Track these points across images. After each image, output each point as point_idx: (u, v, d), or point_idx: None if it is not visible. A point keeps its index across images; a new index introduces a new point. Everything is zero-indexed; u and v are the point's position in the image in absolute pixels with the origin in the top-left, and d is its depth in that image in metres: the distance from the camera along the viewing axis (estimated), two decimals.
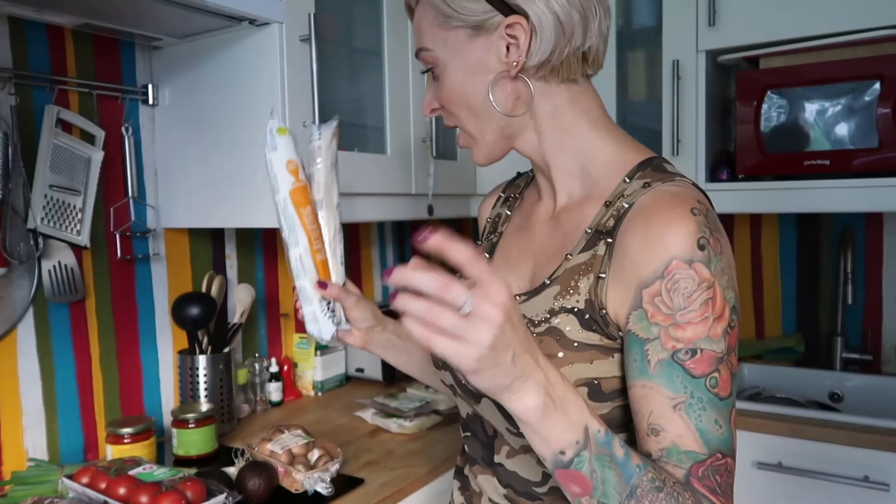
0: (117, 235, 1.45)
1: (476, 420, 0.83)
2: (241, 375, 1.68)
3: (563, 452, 0.59)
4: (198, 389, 1.49)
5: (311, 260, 0.82)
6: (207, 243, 1.67)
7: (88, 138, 1.37)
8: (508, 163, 0.89)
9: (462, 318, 0.50)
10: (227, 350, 1.55)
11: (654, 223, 0.66)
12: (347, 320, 0.90)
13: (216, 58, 1.39)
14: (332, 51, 1.53)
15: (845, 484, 1.42)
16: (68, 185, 1.32)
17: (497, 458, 0.80)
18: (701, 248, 0.64)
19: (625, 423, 0.71)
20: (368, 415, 1.58)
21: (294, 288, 0.85)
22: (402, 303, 0.51)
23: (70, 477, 1.10)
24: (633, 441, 0.69)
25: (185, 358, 1.50)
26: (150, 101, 1.49)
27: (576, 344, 0.69)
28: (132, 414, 1.49)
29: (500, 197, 0.95)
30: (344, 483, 1.22)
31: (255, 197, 1.36)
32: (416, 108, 1.67)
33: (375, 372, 1.91)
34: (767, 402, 1.73)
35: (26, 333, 1.31)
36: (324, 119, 1.37)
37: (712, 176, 1.80)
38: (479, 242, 0.94)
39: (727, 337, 0.65)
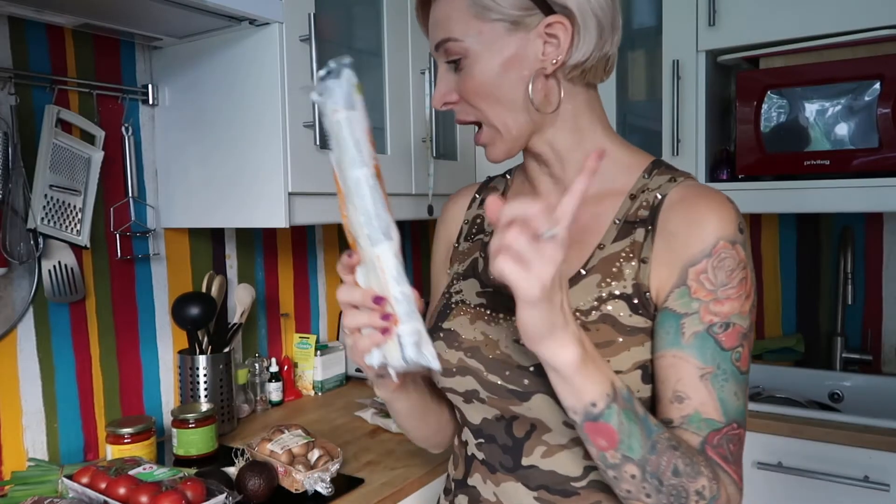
0: (117, 235, 1.45)
1: (499, 425, 0.79)
2: (241, 375, 1.68)
3: (594, 404, 0.63)
4: (198, 389, 1.49)
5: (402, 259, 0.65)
6: (207, 243, 1.67)
7: (88, 138, 1.38)
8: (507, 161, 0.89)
9: (534, 245, 0.55)
10: (227, 350, 1.55)
11: (700, 208, 0.72)
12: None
13: (216, 58, 1.39)
14: (332, 51, 1.53)
15: (845, 484, 1.42)
16: (68, 185, 1.32)
17: (527, 461, 0.77)
18: (741, 231, 0.72)
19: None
20: (368, 415, 1.58)
21: (379, 301, 0.63)
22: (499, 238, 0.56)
23: (70, 477, 1.10)
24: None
25: (185, 358, 1.50)
26: (150, 101, 1.49)
27: (629, 328, 0.72)
28: (132, 414, 1.49)
29: (474, 199, 0.93)
30: (344, 483, 1.22)
31: (255, 197, 1.36)
32: (416, 108, 1.67)
33: None
34: (767, 402, 1.73)
35: (26, 333, 1.31)
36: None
37: (712, 176, 1.80)
38: (458, 245, 0.91)
39: (751, 314, 0.72)
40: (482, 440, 0.82)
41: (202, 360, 1.49)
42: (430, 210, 1.72)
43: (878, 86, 1.54)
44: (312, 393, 1.85)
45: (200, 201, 1.46)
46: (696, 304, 0.70)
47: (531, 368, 0.73)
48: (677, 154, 1.76)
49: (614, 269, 0.75)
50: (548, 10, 0.73)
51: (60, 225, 1.31)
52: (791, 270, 2.01)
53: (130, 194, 1.47)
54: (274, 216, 1.33)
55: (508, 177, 0.93)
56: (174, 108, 1.49)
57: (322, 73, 0.61)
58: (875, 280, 1.89)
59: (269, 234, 1.84)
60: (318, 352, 1.85)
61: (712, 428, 0.68)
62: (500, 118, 0.77)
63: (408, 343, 0.63)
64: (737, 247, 0.71)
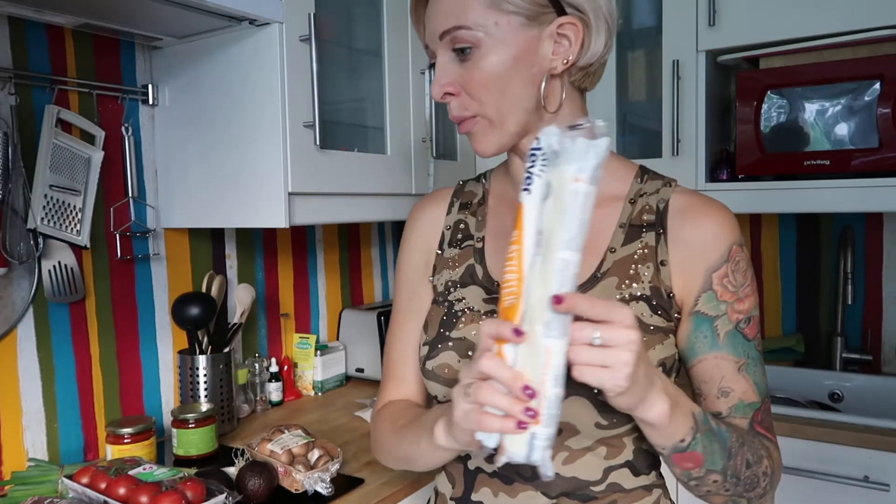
0: (117, 235, 1.45)
1: None
2: (241, 375, 1.68)
3: (682, 440, 0.68)
4: (198, 389, 1.49)
5: None
6: (207, 243, 1.67)
7: (88, 138, 1.37)
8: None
9: (602, 348, 0.58)
10: (227, 350, 1.55)
11: (711, 217, 0.78)
12: None
13: (216, 58, 1.39)
14: (332, 51, 1.53)
15: (845, 484, 1.42)
16: (68, 185, 1.32)
17: None
18: (741, 234, 0.79)
19: None
20: (368, 415, 1.58)
21: (531, 393, 0.58)
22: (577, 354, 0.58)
23: (70, 477, 1.09)
24: None
25: (185, 358, 1.50)
26: (150, 101, 1.49)
27: (651, 328, 0.75)
28: (132, 414, 1.49)
29: (452, 203, 0.91)
30: (344, 483, 1.22)
31: (254, 197, 1.36)
32: (416, 108, 1.67)
33: (375, 372, 1.91)
34: None
35: (26, 333, 1.31)
36: (325, 119, 1.38)
37: (712, 176, 1.80)
38: (441, 251, 0.89)
39: (757, 303, 0.80)
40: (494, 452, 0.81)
41: (202, 360, 1.49)
42: None
43: (878, 86, 1.54)
44: (312, 393, 1.85)
45: (200, 201, 1.46)
46: (724, 305, 0.76)
47: None
48: (677, 154, 1.76)
49: (631, 272, 0.77)
50: (560, 11, 0.74)
51: (60, 225, 1.31)
52: (791, 270, 2.01)
53: (130, 194, 1.46)
54: (274, 216, 1.33)
55: (484, 180, 0.91)
56: (174, 107, 1.49)
57: (578, 124, 0.58)
58: (875, 280, 1.89)
59: (269, 234, 1.84)
60: (318, 352, 1.85)
61: (755, 409, 0.77)
62: (502, 113, 0.76)
63: (540, 446, 0.58)
64: (743, 248, 0.78)
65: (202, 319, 1.48)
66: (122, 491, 1.03)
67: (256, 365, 1.74)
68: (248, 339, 1.79)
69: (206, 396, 1.49)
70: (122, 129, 1.45)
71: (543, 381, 0.57)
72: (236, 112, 1.37)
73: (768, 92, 1.67)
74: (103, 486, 1.05)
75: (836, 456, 1.44)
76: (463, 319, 0.81)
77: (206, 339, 1.53)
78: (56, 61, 1.34)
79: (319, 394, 1.85)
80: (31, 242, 1.27)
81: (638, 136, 1.98)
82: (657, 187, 0.81)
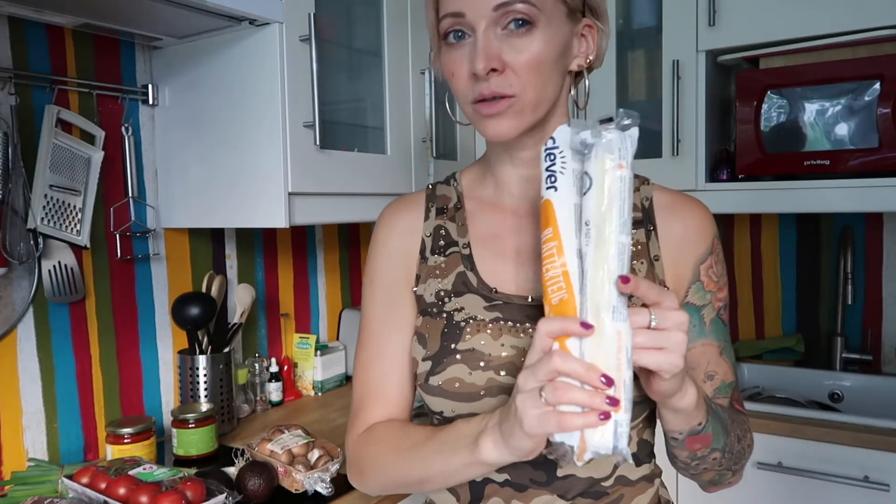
0: (117, 235, 1.45)
1: None
2: (241, 375, 1.68)
3: (699, 423, 0.71)
4: (198, 389, 1.49)
5: None
6: (207, 243, 1.67)
7: (88, 138, 1.37)
8: None
9: (657, 331, 0.60)
10: (227, 350, 1.55)
11: (695, 212, 0.81)
12: None
13: (216, 58, 1.39)
14: (332, 51, 1.53)
15: (845, 484, 1.42)
16: (68, 185, 1.32)
17: (562, 472, 0.76)
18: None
19: None
20: None
21: (610, 381, 0.57)
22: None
23: (70, 477, 1.10)
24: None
25: (185, 358, 1.50)
26: (150, 101, 1.49)
27: None
28: (132, 414, 1.49)
29: (428, 208, 0.87)
30: (344, 483, 1.22)
31: (255, 197, 1.36)
32: (416, 108, 1.67)
33: None
34: (767, 402, 1.73)
35: (26, 333, 1.31)
36: (325, 119, 1.38)
37: (712, 176, 1.80)
38: (424, 259, 0.84)
39: None
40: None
41: (202, 360, 1.49)
42: None
43: (878, 86, 1.54)
44: (312, 393, 1.85)
45: (200, 201, 1.46)
46: (709, 295, 0.80)
47: None
48: (677, 154, 1.76)
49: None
50: (583, 13, 0.77)
51: (60, 225, 1.31)
52: (791, 270, 2.01)
53: (130, 194, 1.46)
54: (274, 216, 1.33)
55: (455, 182, 0.88)
56: (174, 107, 1.49)
57: (607, 117, 0.59)
58: (875, 280, 1.89)
59: (269, 234, 1.84)
60: (318, 352, 1.85)
61: (732, 388, 0.82)
62: (538, 98, 0.74)
63: (623, 433, 0.57)
64: (719, 240, 0.83)
65: (202, 319, 1.48)
66: (122, 491, 1.03)
67: (256, 365, 1.74)
68: (248, 339, 1.79)
69: (206, 396, 1.49)
70: (122, 129, 1.45)
71: (620, 366, 0.57)
72: (236, 112, 1.37)
73: (768, 92, 1.67)
74: (103, 486, 1.05)
75: (836, 456, 1.44)
76: (468, 330, 0.77)
77: (206, 339, 1.53)
78: (56, 61, 1.34)
79: (319, 394, 1.85)
80: (31, 242, 1.27)
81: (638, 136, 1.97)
82: (637, 185, 0.82)
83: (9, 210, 1.24)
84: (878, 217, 1.88)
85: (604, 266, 0.58)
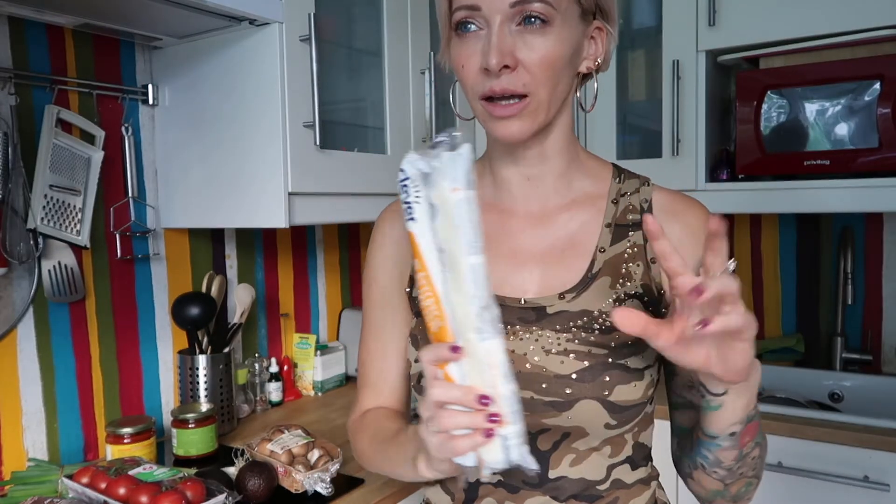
0: (117, 235, 1.45)
1: None
2: (241, 375, 1.68)
3: (755, 408, 0.69)
4: (198, 389, 1.49)
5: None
6: (207, 243, 1.67)
7: (88, 138, 1.37)
8: None
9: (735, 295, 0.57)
10: (227, 350, 1.55)
11: (695, 213, 0.80)
12: None
13: (216, 58, 1.39)
14: (332, 51, 1.53)
15: (845, 484, 1.42)
16: (68, 185, 1.32)
17: (555, 473, 0.77)
18: None
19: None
20: None
21: (486, 400, 0.59)
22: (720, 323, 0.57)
23: (70, 477, 1.10)
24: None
25: (185, 358, 1.50)
26: (150, 101, 1.49)
27: None
28: (132, 414, 1.49)
29: None
30: (344, 483, 1.22)
31: (255, 197, 1.36)
32: (416, 108, 1.67)
33: None
34: (767, 402, 1.72)
35: (26, 333, 1.31)
36: (325, 119, 1.38)
37: (712, 176, 1.80)
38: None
39: None
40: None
41: (202, 360, 1.49)
42: None
43: (878, 86, 1.54)
44: (312, 393, 1.85)
45: (200, 201, 1.46)
46: None
47: (573, 376, 0.72)
48: (677, 154, 1.76)
49: (623, 271, 0.77)
50: (594, 15, 0.77)
51: (60, 225, 1.31)
52: (791, 270, 2.01)
53: (130, 194, 1.46)
54: (274, 216, 1.33)
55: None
56: (174, 107, 1.49)
57: (436, 141, 0.59)
58: (875, 280, 1.89)
59: (269, 234, 1.84)
60: (318, 352, 1.85)
61: None
62: (549, 97, 0.74)
63: (513, 444, 0.59)
64: None
65: (202, 319, 1.48)
66: (122, 491, 1.03)
67: (256, 365, 1.74)
68: (248, 339, 1.79)
69: (206, 396, 1.49)
70: (122, 129, 1.45)
71: (494, 384, 0.58)
72: (236, 112, 1.37)
73: (768, 92, 1.67)
74: (103, 486, 1.05)
75: (836, 456, 1.44)
76: None
77: (206, 339, 1.53)
78: (56, 61, 1.34)
79: (319, 394, 1.85)
80: (31, 242, 1.27)
81: (638, 136, 1.98)
82: (636, 186, 0.82)
83: (9, 210, 1.24)
84: (878, 217, 1.87)
85: (461, 289, 0.58)
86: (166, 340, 1.57)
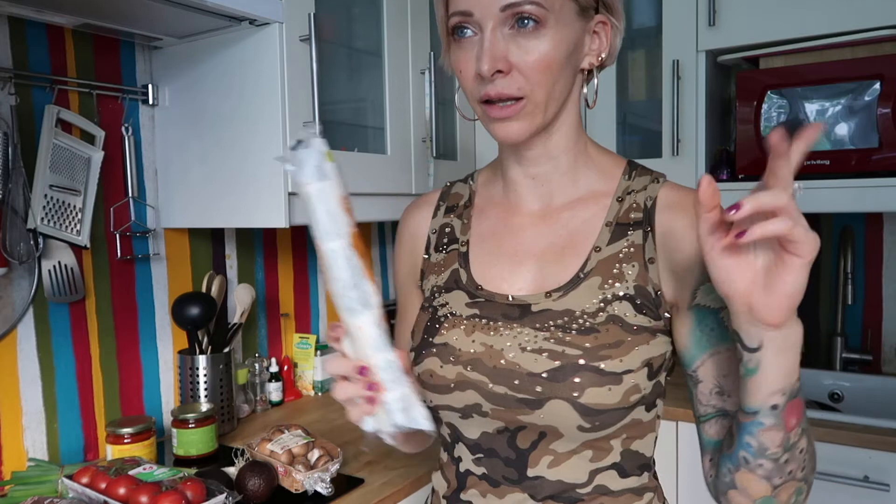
0: (117, 235, 1.45)
1: (500, 438, 0.78)
2: (241, 375, 1.68)
3: (797, 379, 0.63)
4: (198, 389, 1.49)
5: (385, 326, 0.65)
6: (207, 243, 1.67)
7: (88, 138, 1.38)
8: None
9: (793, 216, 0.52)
10: (227, 350, 1.55)
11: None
12: None
13: (216, 58, 1.39)
14: (332, 51, 1.53)
15: (845, 484, 1.42)
16: (68, 185, 1.32)
17: (533, 472, 0.76)
18: None
19: (660, 394, 0.78)
20: None
21: (364, 371, 0.64)
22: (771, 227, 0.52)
23: (70, 477, 1.10)
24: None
25: (185, 358, 1.50)
26: (150, 101, 1.49)
27: (635, 328, 0.73)
28: (132, 414, 1.49)
29: (438, 206, 0.90)
30: (344, 483, 1.22)
31: (254, 197, 1.36)
32: (416, 108, 1.67)
33: None
34: None
35: (26, 333, 1.31)
36: (325, 119, 1.38)
37: (712, 176, 1.80)
38: (427, 256, 0.88)
39: None
40: (481, 455, 0.80)
41: (202, 360, 1.49)
42: None
43: (878, 86, 1.54)
44: (312, 393, 1.85)
45: (200, 201, 1.46)
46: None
47: (544, 375, 0.72)
48: (677, 154, 1.76)
49: (615, 271, 0.76)
50: (597, 9, 0.76)
51: (60, 225, 1.31)
52: None
53: (130, 194, 1.47)
54: (274, 216, 1.34)
55: (471, 181, 0.91)
56: (174, 107, 1.49)
57: (292, 143, 0.62)
58: (875, 280, 1.89)
59: (269, 234, 1.84)
60: (318, 352, 1.85)
61: None
62: (547, 99, 0.74)
63: (395, 409, 0.64)
64: None
65: (202, 319, 1.48)
66: (122, 491, 1.03)
67: (256, 365, 1.74)
68: (248, 339, 1.79)
69: (206, 396, 1.49)
70: (123, 129, 1.45)
71: (367, 355, 0.64)
72: (236, 112, 1.37)
73: (768, 92, 1.67)
74: (103, 486, 1.05)
75: (836, 456, 1.44)
76: (445, 325, 0.80)
77: (206, 339, 1.53)
78: (56, 61, 1.34)
79: (319, 394, 1.85)
80: (31, 242, 1.27)
81: (638, 136, 1.98)
82: (645, 184, 0.80)
83: (9, 210, 1.24)
84: (878, 217, 1.88)
85: (330, 273, 0.63)
86: (166, 340, 1.57)
